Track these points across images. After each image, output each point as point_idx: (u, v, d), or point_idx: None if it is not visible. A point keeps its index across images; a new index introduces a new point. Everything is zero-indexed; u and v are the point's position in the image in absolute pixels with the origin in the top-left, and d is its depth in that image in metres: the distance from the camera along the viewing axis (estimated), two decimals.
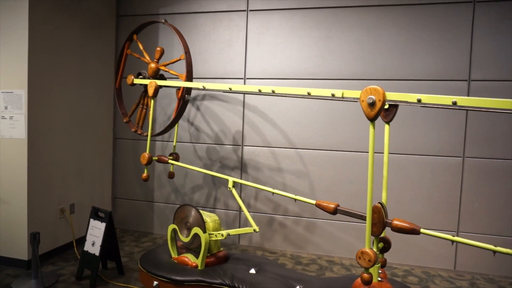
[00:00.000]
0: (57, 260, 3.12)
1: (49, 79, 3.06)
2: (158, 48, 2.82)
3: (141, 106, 2.94)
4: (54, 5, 3.06)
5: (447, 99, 1.58)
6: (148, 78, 2.84)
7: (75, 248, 3.28)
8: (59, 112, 3.19)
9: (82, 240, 2.90)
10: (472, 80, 3.09)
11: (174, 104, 3.74)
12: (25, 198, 2.88)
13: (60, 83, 3.18)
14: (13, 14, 2.83)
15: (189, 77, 2.78)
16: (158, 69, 2.83)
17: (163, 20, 2.84)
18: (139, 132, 2.96)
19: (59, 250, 3.23)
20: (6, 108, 2.91)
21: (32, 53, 2.86)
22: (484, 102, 1.50)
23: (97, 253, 2.67)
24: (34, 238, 2.59)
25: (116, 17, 3.89)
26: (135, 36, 2.94)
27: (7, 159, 2.92)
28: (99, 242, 2.69)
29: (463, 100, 1.55)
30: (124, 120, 3.02)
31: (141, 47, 2.88)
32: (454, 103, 1.56)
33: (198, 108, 3.73)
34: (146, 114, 2.95)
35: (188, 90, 2.80)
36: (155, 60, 2.83)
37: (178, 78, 2.79)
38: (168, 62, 2.81)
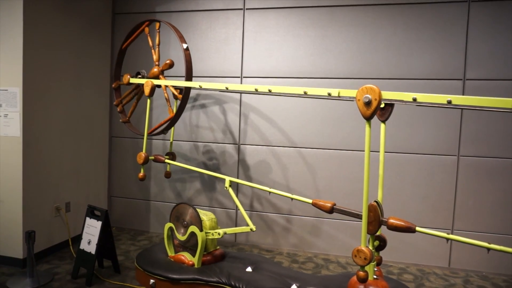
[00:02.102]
0: (53, 258, 3.10)
1: (44, 77, 3.04)
2: (168, 61, 2.84)
3: (133, 93, 2.97)
4: (50, 2, 3.04)
5: (442, 98, 1.59)
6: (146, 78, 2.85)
7: (71, 247, 3.26)
8: (54, 110, 3.17)
9: (78, 239, 2.89)
10: (467, 79, 3.11)
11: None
12: (20, 196, 2.87)
13: (56, 81, 3.17)
14: (7, 11, 2.81)
15: (180, 110, 2.80)
16: (157, 77, 2.84)
17: (185, 47, 2.76)
18: (118, 110, 3.03)
19: (54, 249, 3.22)
20: (0, 106, 2.89)
21: (27, 51, 2.84)
22: (478, 101, 1.52)
23: (93, 252, 2.67)
24: (29, 237, 2.58)
25: (112, 15, 3.87)
26: (158, 24, 2.86)
27: (2, 157, 2.90)
28: (95, 240, 2.68)
29: (458, 99, 1.56)
30: (113, 86, 3.08)
31: (157, 40, 2.86)
32: (449, 102, 1.57)
33: (195, 107, 3.72)
34: (133, 100, 3.03)
35: (168, 126, 2.87)
36: (161, 68, 2.83)
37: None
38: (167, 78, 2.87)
